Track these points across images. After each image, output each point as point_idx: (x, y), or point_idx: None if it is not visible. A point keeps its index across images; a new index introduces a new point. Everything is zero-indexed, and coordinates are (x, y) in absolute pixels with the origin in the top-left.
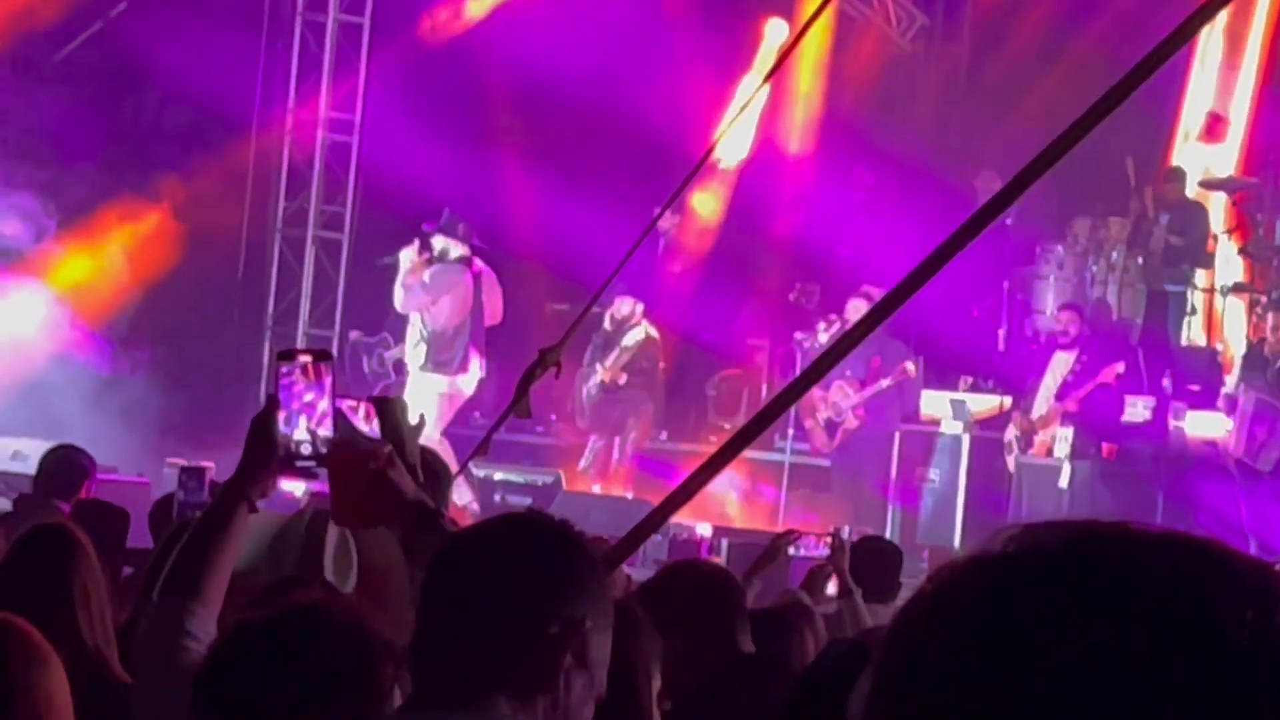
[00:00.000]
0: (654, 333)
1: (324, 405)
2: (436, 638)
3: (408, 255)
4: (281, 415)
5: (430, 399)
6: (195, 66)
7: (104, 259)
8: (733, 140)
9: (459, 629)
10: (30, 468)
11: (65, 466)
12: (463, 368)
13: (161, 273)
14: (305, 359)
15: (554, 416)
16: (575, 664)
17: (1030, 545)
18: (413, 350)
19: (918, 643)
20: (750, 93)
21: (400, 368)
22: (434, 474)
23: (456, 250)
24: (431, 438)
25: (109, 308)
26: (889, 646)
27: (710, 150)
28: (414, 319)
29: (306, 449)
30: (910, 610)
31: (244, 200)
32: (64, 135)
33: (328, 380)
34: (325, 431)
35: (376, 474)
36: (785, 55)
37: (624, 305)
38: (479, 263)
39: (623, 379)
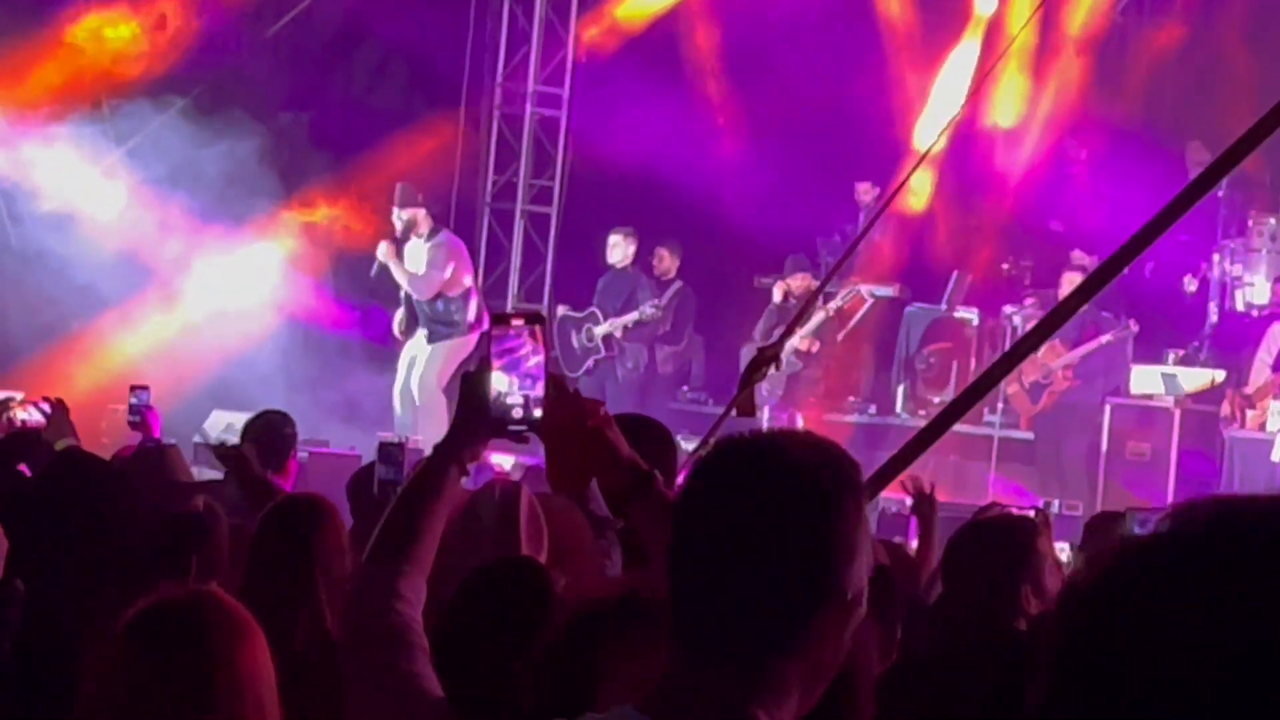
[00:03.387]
0: (847, 301)
1: (536, 366)
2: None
3: (384, 248)
4: (494, 377)
5: (450, 359)
6: (404, 42)
7: (318, 228)
8: (942, 116)
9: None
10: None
11: (269, 434)
12: (478, 325)
13: (370, 246)
14: (518, 322)
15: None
16: (842, 619)
17: (1178, 524)
18: (409, 321)
19: (1080, 630)
20: (959, 67)
21: (610, 342)
22: (662, 441)
23: (424, 220)
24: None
25: (324, 279)
26: (1058, 632)
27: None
28: (402, 296)
29: (518, 412)
30: (1071, 598)
31: (453, 174)
32: (275, 109)
33: (541, 343)
34: (538, 394)
35: (593, 432)
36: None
37: (797, 279)
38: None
39: (815, 346)
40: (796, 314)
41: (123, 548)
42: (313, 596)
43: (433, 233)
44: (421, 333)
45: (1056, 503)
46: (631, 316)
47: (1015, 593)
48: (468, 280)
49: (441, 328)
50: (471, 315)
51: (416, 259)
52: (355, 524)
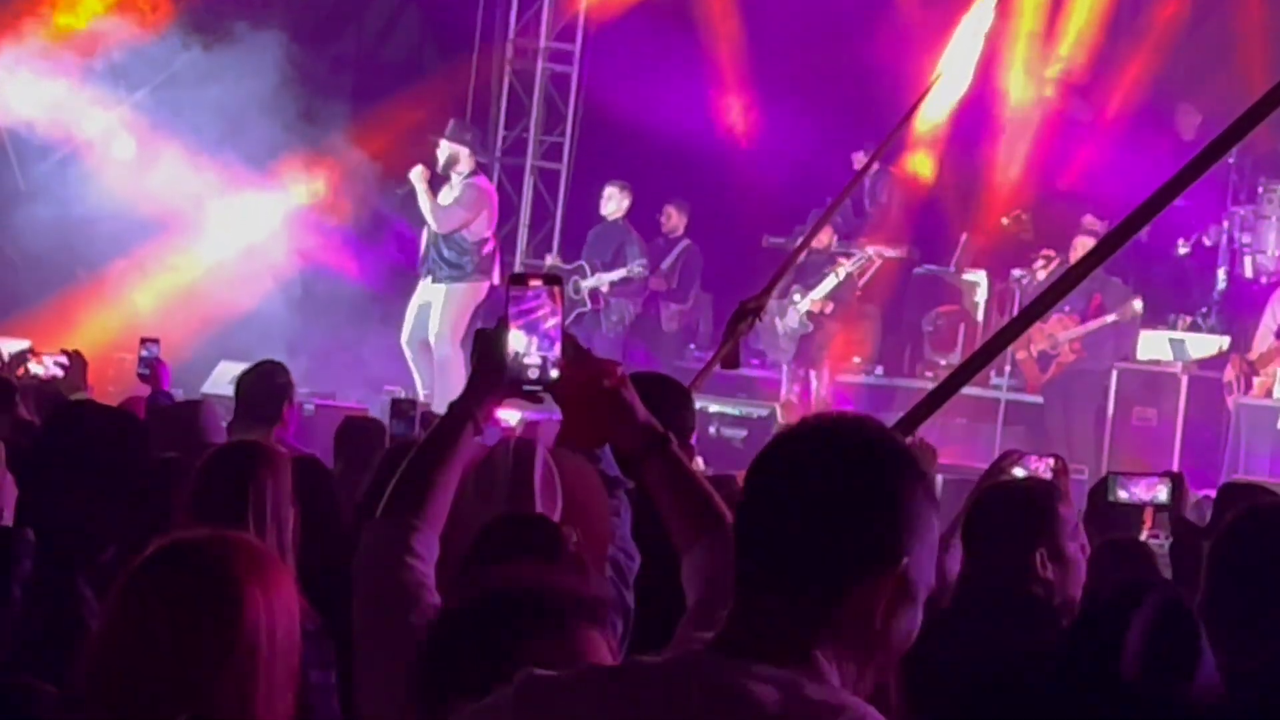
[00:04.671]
0: (860, 266)
1: (553, 328)
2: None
3: (418, 172)
4: (510, 337)
5: (450, 302)
6: None
7: (328, 181)
8: (953, 75)
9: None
10: None
11: (261, 384)
12: (486, 276)
13: (380, 196)
14: (537, 283)
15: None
16: (899, 597)
17: None
18: (431, 264)
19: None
20: (972, 26)
21: (596, 296)
22: (679, 398)
23: (466, 160)
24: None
25: (336, 231)
26: None
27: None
28: (427, 234)
29: (535, 373)
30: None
31: None
32: (287, 59)
33: (559, 304)
34: (555, 355)
35: (609, 393)
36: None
37: (823, 235)
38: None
39: (829, 308)
40: (778, 271)
41: (134, 495)
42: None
43: (472, 173)
44: (428, 277)
45: (1060, 465)
46: (619, 273)
47: (1030, 560)
48: (488, 231)
49: (448, 269)
50: (482, 265)
51: (448, 194)
52: (344, 474)
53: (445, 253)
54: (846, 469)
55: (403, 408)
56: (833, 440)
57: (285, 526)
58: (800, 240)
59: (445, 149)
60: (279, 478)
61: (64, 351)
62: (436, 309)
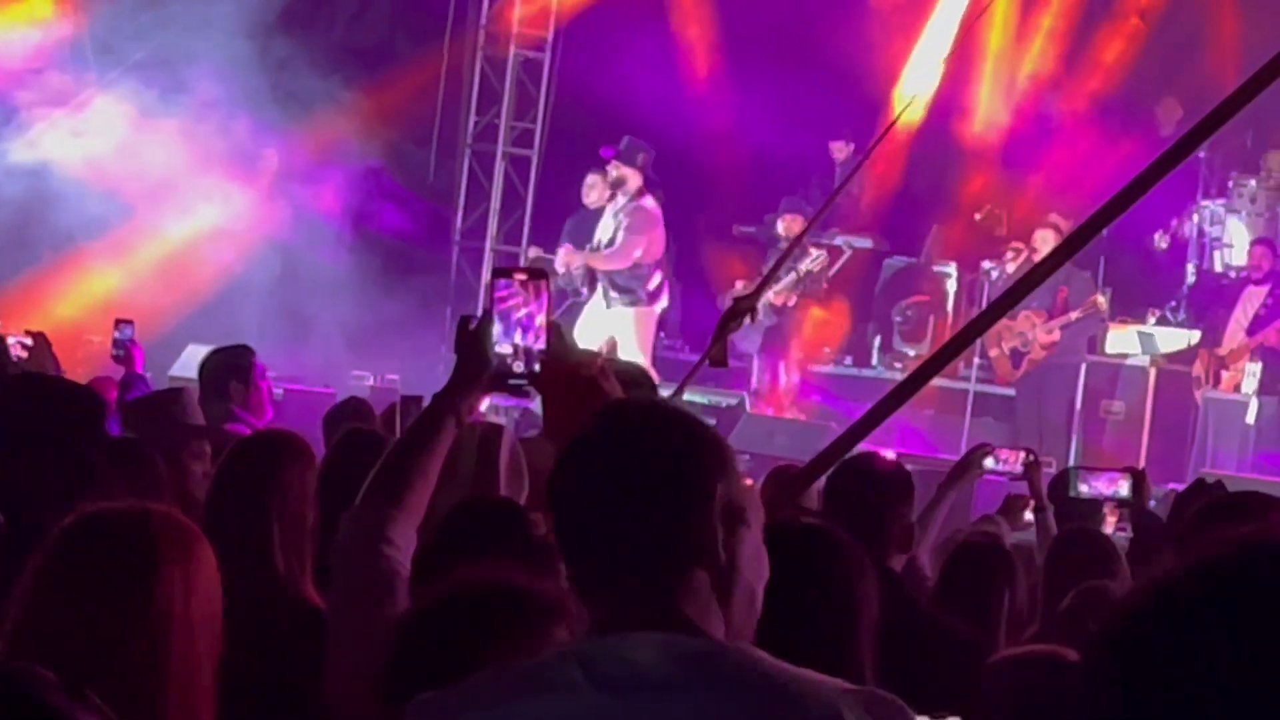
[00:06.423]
0: (818, 264)
1: (539, 321)
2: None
3: (577, 261)
4: (496, 331)
5: (629, 329)
6: None
7: (295, 167)
8: (924, 69)
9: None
10: None
11: (225, 369)
12: (656, 297)
13: (347, 182)
14: (522, 276)
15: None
16: (729, 532)
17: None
18: (603, 289)
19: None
20: (945, 19)
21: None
22: (641, 390)
23: (634, 180)
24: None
25: (302, 218)
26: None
27: (891, 122)
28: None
29: (519, 366)
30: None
31: (434, 114)
32: (256, 45)
33: (544, 298)
34: (538, 348)
35: (589, 383)
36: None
37: (794, 222)
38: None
39: (792, 301)
40: (773, 266)
41: (81, 469)
42: (264, 538)
43: (638, 194)
44: (600, 297)
45: (1032, 457)
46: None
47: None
48: (659, 252)
49: (619, 294)
50: (653, 284)
51: (610, 224)
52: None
53: (616, 278)
54: (649, 457)
55: (411, 406)
56: (625, 433)
57: (304, 519)
58: (791, 240)
59: (615, 169)
60: (303, 470)
61: (28, 332)
62: (628, 338)
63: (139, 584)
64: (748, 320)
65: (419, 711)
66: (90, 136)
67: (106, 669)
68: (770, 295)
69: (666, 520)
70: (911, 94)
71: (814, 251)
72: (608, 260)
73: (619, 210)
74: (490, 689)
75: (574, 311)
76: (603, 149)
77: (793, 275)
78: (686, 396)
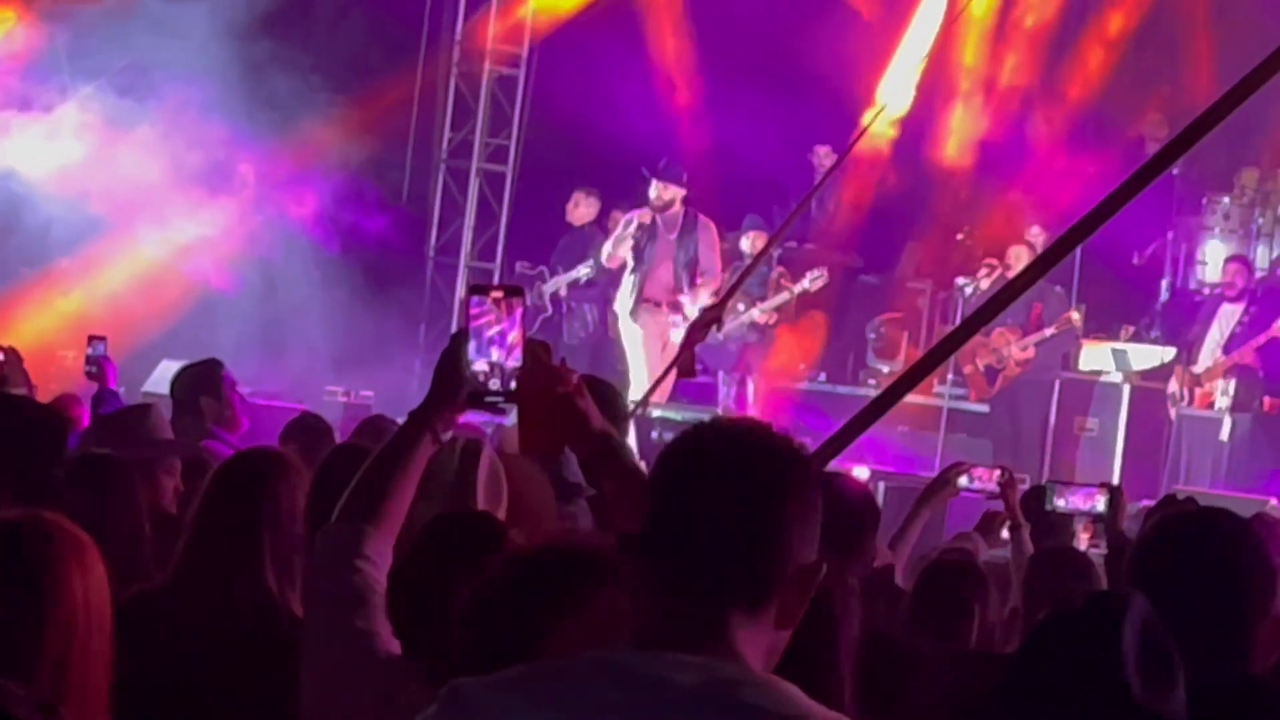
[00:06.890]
0: (825, 277)
1: (514, 339)
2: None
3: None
4: (470, 348)
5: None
6: None
7: (270, 182)
8: (900, 84)
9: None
10: None
11: (195, 385)
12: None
13: (319, 198)
14: (498, 294)
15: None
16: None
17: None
18: (625, 298)
19: None
20: (922, 29)
21: (556, 301)
22: (614, 407)
23: (680, 201)
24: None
25: (277, 233)
26: None
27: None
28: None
29: (495, 383)
30: None
31: (409, 130)
32: (228, 61)
33: (519, 315)
34: (514, 365)
35: (564, 399)
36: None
37: (759, 239)
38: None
39: (773, 319)
40: (737, 280)
41: (50, 489)
42: (254, 556)
43: (691, 217)
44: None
45: (1007, 475)
46: (570, 275)
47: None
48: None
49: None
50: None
51: (663, 246)
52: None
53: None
54: (763, 478)
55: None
56: (744, 447)
57: (294, 536)
58: (757, 253)
59: (657, 188)
60: (293, 487)
61: (0, 348)
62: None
63: (45, 590)
64: (718, 335)
65: (452, 694)
66: (63, 144)
67: (16, 670)
68: (757, 314)
69: (767, 549)
70: (882, 103)
71: (814, 271)
72: (709, 285)
73: (679, 232)
74: (531, 677)
75: (545, 328)
76: (643, 168)
77: (786, 295)
78: (658, 413)
